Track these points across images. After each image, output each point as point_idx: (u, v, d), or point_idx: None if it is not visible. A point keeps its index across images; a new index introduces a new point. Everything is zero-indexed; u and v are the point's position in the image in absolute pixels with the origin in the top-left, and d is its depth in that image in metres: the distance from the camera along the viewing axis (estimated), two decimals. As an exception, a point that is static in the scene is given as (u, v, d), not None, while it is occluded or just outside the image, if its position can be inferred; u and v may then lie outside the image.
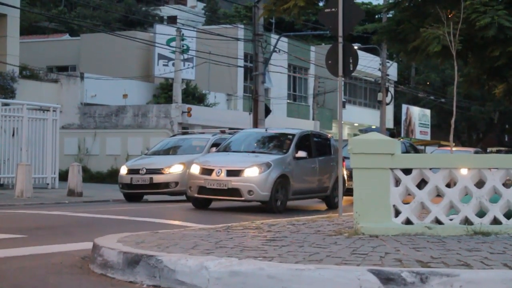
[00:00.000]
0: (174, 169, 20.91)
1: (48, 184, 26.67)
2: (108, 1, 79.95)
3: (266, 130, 19.84)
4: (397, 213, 8.61)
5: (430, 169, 8.70)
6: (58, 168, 27.31)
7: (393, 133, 50.49)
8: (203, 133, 25.03)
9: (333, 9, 13.52)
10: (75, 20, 61.97)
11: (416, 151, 27.02)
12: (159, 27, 44.61)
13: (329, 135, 22.03)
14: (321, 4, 20.66)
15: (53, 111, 27.31)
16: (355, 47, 15.47)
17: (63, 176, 26.66)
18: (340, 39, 13.55)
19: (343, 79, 14.12)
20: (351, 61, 13.73)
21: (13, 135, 26.07)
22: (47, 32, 64.35)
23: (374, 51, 52.06)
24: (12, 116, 26.36)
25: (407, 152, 24.36)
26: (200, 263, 6.28)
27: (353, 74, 14.65)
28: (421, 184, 8.68)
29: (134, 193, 21.34)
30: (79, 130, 37.02)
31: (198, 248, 7.35)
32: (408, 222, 8.58)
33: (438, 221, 8.60)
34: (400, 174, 8.57)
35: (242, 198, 16.84)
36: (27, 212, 15.95)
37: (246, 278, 6.05)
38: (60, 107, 28.36)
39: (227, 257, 6.51)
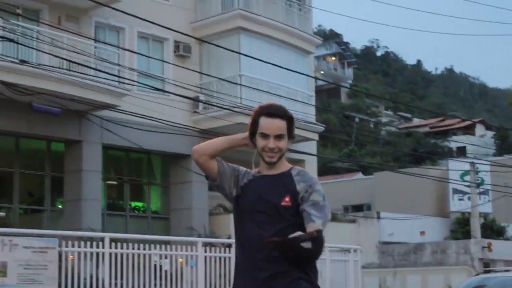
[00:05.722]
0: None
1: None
2: (396, 137, 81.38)
3: None
4: None
5: None
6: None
7: None
8: (508, 270, 24.16)
9: None
10: (366, 158, 63.48)
11: None
12: (451, 163, 44.46)
13: None
14: None
15: (354, 251, 27.77)
16: None
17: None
18: None
19: None
20: None
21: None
22: (341, 171, 66.43)
23: None
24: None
25: None
26: None
27: None
28: None
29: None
30: (379, 269, 37.26)
31: None
32: None
33: None
34: None
35: None
36: None
37: None
38: (360, 247, 28.80)
39: None
